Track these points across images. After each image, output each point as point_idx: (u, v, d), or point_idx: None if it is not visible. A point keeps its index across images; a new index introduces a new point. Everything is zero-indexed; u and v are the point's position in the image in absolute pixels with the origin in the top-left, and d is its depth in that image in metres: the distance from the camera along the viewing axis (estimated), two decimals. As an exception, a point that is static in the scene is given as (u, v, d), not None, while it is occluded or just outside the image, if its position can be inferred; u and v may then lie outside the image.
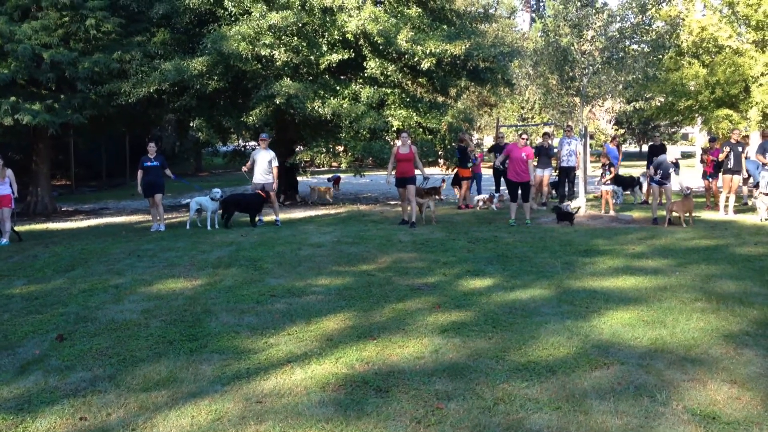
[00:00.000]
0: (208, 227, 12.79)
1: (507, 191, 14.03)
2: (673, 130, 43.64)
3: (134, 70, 15.30)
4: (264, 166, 13.11)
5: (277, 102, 15.00)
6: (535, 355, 5.26)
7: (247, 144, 22.13)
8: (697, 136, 32.21)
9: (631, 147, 51.22)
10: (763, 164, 13.49)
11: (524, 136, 13.44)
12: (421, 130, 16.77)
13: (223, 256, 9.65)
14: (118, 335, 5.88)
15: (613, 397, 4.38)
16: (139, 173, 13.03)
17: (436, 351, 5.39)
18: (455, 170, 17.22)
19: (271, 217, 13.79)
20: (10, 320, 6.48)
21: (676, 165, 13.06)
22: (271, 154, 13.23)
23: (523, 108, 38.83)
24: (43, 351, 5.50)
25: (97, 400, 4.45)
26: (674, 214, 12.21)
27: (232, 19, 15.67)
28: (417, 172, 12.97)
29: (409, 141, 12.88)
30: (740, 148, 14.05)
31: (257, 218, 13.28)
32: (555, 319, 6.20)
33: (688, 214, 12.17)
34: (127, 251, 10.29)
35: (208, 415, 4.19)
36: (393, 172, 12.84)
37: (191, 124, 16.49)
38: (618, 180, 16.67)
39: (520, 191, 13.09)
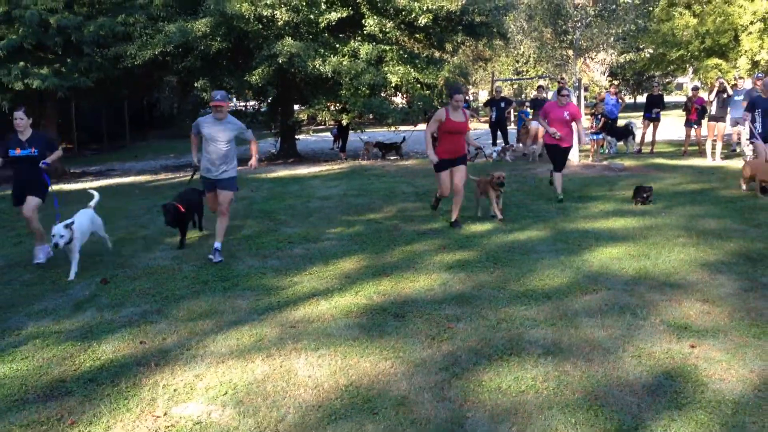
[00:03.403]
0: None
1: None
2: (666, 80, 43.94)
3: (138, 32, 15.67)
4: (222, 146, 7.30)
5: (280, 61, 15.40)
6: (533, 285, 5.91)
7: (247, 104, 22.50)
8: (689, 85, 32.63)
9: (625, 98, 51.55)
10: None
11: (564, 91, 10.20)
12: (419, 85, 17.21)
13: (239, 209, 10.24)
14: (156, 278, 6.51)
15: (600, 315, 5.04)
16: None
17: (444, 284, 6.03)
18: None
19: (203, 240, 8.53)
20: (52, 269, 7.10)
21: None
22: (236, 125, 7.52)
23: (517, 62, 38.99)
24: (92, 292, 6.13)
25: (151, 329, 5.09)
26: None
27: (233, -21, 15.97)
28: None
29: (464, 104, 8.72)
30: (724, 96, 14.58)
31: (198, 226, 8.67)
32: (550, 255, 6.84)
33: None
34: (145, 208, 10.88)
35: (251, 338, 4.84)
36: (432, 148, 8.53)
37: (195, 85, 16.88)
38: (612, 130, 17.23)
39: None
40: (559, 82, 16.54)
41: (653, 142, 17.28)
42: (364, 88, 16.50)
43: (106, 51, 15.86)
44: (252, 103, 21.39)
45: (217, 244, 7.23)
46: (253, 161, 7.80)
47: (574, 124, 10.21)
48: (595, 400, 3.71)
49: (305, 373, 4.20)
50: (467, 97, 18.60)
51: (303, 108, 19.42)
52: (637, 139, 17.60)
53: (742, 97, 14.42)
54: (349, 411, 3.70)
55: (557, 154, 10.26)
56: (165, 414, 3.72)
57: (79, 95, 18.28)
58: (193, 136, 7.59)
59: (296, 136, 20.41)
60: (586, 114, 21.16)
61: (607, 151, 17.04)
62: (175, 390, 4.04)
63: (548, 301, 5.44)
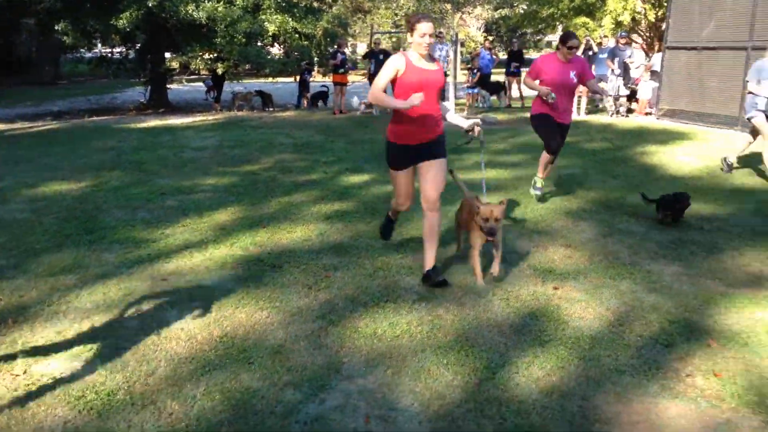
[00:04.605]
0: None
1: None
2: (538, 37, 45.45)
3: (-12, -32, 14.33)
4: None
5: (149, 5, 14.60)
6: (409, 234, 6.00)
7: (113, 50, 21.24)
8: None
9: (500, 54, 52.95)
10: (612, 70, 14.78)
11: (573, 41, 6.68)
12: (297, 35, 16.88)
13: (105, 160, 9.73)
14: (12, 232, 6.08)
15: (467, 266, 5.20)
16: None
17: (321, 234, 6.02)
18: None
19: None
20: None
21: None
22: None
23: (396, 15, 39.09)
24: (-61, 248, 5.64)
25: (7, 285, 4.75)
26: None
27: None
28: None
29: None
30: (590, 53, 15.29)
31: None
32: (426, 205, 6.96)
33: None
34: (1, 158, 10.09)
35: (119, 292, 4.64)
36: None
37: (56, 28, 15.71)
38: (486, 85, 17.69)
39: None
40: (437, 36, 16.70)
41: (521, 97, 17.92)
42: (240, 37, 15.99)
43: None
44: (119, 49, 20.18)
45: None
46: None
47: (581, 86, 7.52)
48: (466, 341, 3.85)
49: (178, 326, 4.08)
50: (346, 50, 18.34)
51: (175, 55, 18.59)
52: (509, 93, 18.19)
53: (606, 55, 15.15)
54: (223, 361, 3.64)
55: (551, 134, 6.86)
56: (25, 372, 3.50)
57: None
58: None
59: (168, 85, 19.54)
60: (462, 69, 21.60)
61: (481, 105, 17.48)
62: (35, 347, 3.81)
63: (423, 249, 5.54)
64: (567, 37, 6.77)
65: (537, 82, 6.77)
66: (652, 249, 5.50)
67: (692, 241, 5.75)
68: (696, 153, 10.23)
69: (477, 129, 4.93)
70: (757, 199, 7.33)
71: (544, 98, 6.64)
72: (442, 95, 4.93)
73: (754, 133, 8.49)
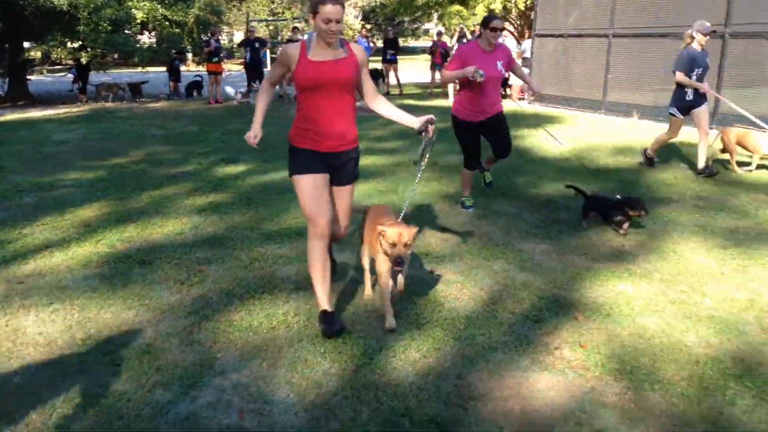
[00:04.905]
0: None
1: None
2: (415, 26, 46.16)
3: None
4: None
5: (1, -11, 13.57)
6: (286, 224, 5.90)
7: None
8: (434, 31, 34.70)
9: (378, 42, 53.35)
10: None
11: (495, 23, 5.75)
12: (167, 23, 16.23)
13: (-45, 158, 8.98)
14: None
15: (350, 249, 5.15)
16: None
17: (195, 227, 5.81)
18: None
19: None
20: None
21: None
22: None
23: (273, 2, 38.51)
24: None
25: None
26: None
27: None
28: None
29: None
30: (464, 41, 15.66)
31: None
32: (304, 194, 6.87)
33: None
34: None
35: (-32, 298, 4.27)
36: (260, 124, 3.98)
37: None
38: (364, 72, 17.72)
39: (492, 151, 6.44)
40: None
41: (399, 84, 18.14)
42: (105, 24, 15.18)
43: None
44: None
45: None
46: None
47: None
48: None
49: (35, 331, 3.80)
50: (220, 38, 17.84)
51: (35, 45, 17.43)
52: (386, 81, 18.36)
53: (479, 43, 15.49)
54: (86, 366, 3.41)
55: (473, 150, 6.28)
56: None
57: None
58: None
59: (28, 77, 18.29)
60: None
61: (360, 93, 17.49)
62: None
63: (301, 239, 5.46)
64: (489, 19, 5.80)
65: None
66: (523, 228, 5.69)
67: (560, 219, 6.00)
68: (564, 135, 10.68)
69: (431, 128, 4.00)
70: (619, 178, 7.74)
71: (472, 78, 5.54)
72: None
73: (697, 125, 7.74)
